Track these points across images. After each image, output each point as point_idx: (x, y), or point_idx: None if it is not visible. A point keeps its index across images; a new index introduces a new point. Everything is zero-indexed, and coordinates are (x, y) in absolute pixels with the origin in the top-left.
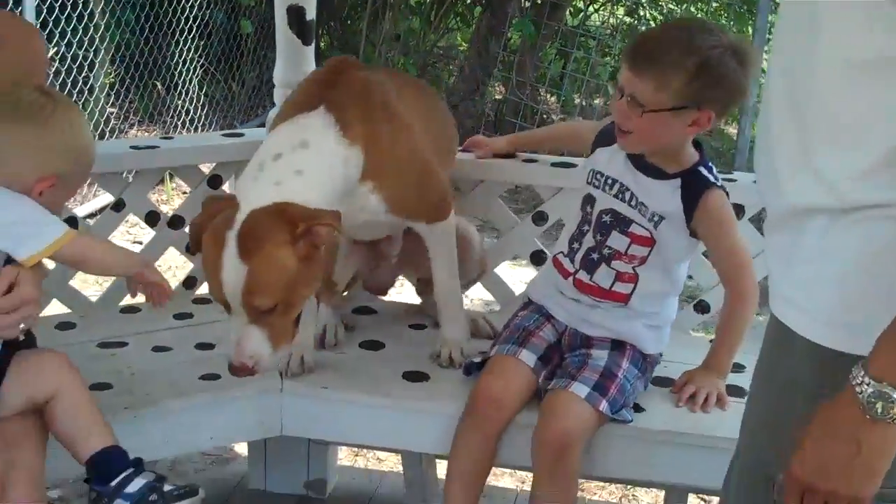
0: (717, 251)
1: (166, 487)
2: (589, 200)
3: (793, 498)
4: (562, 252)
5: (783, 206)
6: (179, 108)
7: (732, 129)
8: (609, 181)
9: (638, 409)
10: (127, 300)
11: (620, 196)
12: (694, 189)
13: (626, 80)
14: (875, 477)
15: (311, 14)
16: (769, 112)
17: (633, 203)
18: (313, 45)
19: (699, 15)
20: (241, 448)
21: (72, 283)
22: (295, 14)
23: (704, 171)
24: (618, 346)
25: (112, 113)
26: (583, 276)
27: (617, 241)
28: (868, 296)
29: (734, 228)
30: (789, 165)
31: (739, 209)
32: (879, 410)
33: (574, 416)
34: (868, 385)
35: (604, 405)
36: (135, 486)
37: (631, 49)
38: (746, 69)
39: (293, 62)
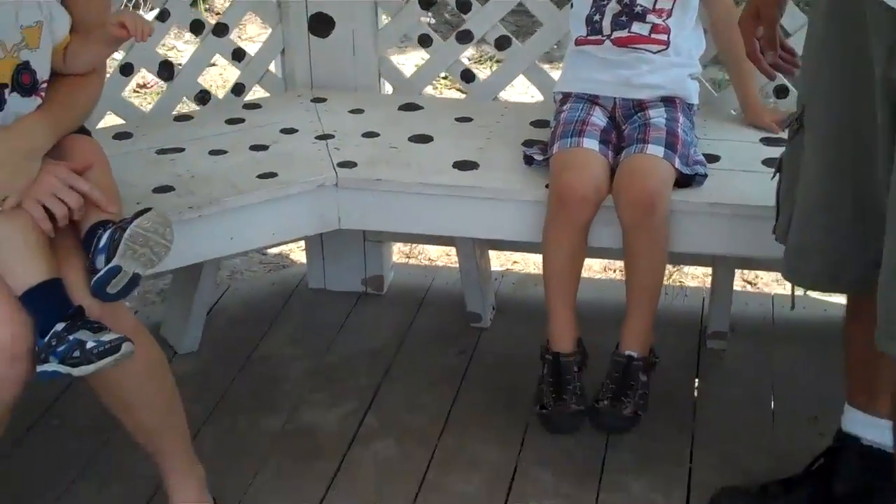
0: None
1: (89, 344)
2: None
3: None
4: (580, 35)
5: None
6: None
7: None
8: None
9: (713, 159)
10: (179, 109)
11: None
12: None
13: None
14: None
15: None
16: None
17: None
18: None
19: None
20: (299, 255)
21: (123, 94)
22: None
23: None
24: (668, 102)
25: None
26: (619, 33)
27: None
28: None
29: None
30: None
31: None
32: None
33: (656, 175)
34: None
35: (677, 162)
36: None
37: None
38: None
39: None
